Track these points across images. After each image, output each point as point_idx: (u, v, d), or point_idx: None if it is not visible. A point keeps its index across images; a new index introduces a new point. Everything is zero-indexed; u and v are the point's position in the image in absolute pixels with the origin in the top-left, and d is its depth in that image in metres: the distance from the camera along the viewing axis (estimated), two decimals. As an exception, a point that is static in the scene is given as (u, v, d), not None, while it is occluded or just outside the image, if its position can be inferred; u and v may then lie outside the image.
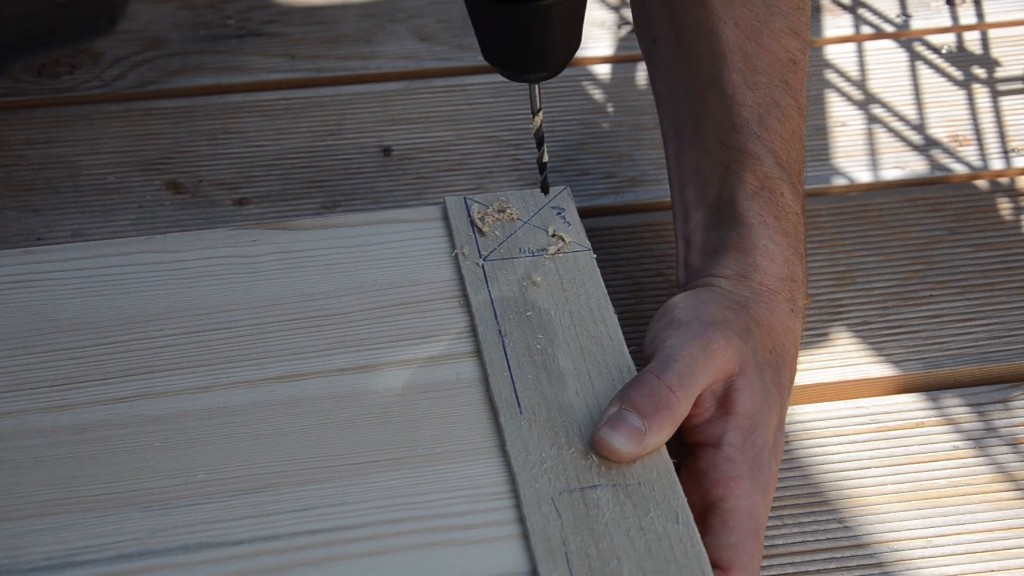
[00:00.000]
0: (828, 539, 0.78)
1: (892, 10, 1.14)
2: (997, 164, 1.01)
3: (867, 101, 1.07)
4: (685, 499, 0.70)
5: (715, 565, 0.70)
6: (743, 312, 0.76)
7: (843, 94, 1.07)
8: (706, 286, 0.78)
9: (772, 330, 0.77)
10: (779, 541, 0.78)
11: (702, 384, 0.73)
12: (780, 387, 0.76)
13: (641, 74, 1.08)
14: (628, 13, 1.14)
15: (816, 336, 0.89)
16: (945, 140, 1.03)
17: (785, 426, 0.77)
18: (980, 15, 1.14)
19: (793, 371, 0.79)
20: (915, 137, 1.03)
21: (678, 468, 0.73)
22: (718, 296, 0.77)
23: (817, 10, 1.15)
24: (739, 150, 0.82)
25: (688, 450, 0.74)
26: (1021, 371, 0.87)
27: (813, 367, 0.87)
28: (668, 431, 0.72)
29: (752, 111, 0.83)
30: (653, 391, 0.72)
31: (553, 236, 0.83)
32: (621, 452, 0.71)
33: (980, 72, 1.09)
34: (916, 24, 1.13)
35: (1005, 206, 0.98)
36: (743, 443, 0.73)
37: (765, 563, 0.77)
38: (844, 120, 1.05)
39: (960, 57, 1.10)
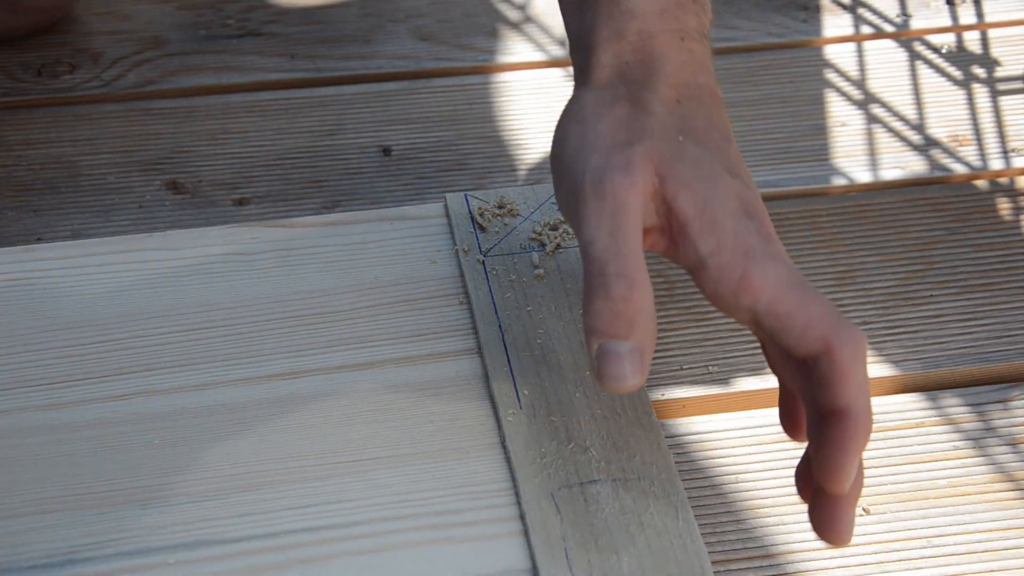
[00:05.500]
0: (828, 538, 0.78)
1: (892, 10, 1.14)
2: (997, 164, 1.01)
3: (867, 101, 1.06)
4: (685, 494, 0.70)
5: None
6: (625, 99, 0.70)
7: (843, 94, 1.07)
8: (577, 99, 0.71)
9: (666, 78, 0.70)
10: (780, 540, 0.78)
11: (636, 246, 0.67)
12: (712, 139, 0.69)
13: (641, 74, 1.08)
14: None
15: (816, 335, 0.89)
16: (945, 140, 1.03)
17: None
18: (980, 15, 1.14)
19: (718, 100, 0.72)
20: (915, 137, 1.03)
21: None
22: (594, 98, 0.70)
23: (817, 10, 1.15)
24: None
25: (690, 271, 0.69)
26: (1021, 371, 0.87)
27: (813, 366, 0.87)
28: (652, 326, 0.67)
29: None
30: (614, 312, 0.66)
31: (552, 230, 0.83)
32: (634, 381, 0.66)
33: (980, 72, 1.09)
34: (916, 24, 1.13)
35: (1005, 206, 0.98)
36: (718, 247, 0.67)
37: (766, 563, 0.76)
38: (844, 120, 1.05)
39: (960, 57, 1.10)
